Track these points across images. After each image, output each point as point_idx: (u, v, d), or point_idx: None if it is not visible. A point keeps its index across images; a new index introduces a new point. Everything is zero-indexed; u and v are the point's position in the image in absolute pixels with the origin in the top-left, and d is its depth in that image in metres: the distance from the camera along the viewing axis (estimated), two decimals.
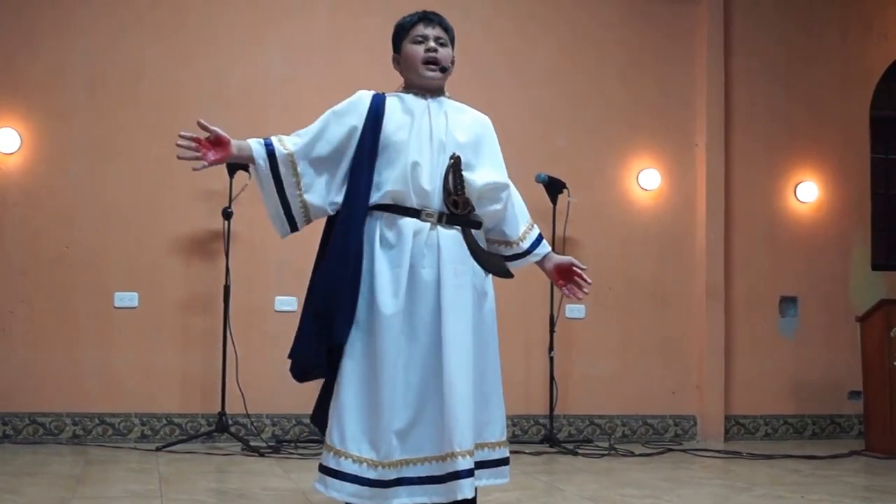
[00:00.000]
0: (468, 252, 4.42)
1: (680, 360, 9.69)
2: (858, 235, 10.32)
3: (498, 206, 4.57)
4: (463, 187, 4.40)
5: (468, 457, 4.22)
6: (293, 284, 8.25)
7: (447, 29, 4.63)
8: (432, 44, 4.54)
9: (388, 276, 4.32)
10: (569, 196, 8.89)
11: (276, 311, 8.48)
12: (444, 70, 4.56)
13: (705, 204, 9.71)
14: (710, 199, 9.72)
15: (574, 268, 4.73)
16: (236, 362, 8.22)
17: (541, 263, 4.81)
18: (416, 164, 4.36)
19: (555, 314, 8.93)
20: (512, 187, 4.68)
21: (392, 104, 4.54)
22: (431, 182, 4.38)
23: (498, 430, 4.50)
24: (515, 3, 9.54)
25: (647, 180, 9.65)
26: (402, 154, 4.39)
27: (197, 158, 4.44)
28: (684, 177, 9.81)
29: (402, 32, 4.61)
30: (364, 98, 4.54)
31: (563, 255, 4.95)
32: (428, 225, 4.37)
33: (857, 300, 9.99)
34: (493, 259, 4.58)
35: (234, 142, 4.48)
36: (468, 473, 4.21)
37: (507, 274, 4.61)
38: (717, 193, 9.77)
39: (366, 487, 4.24)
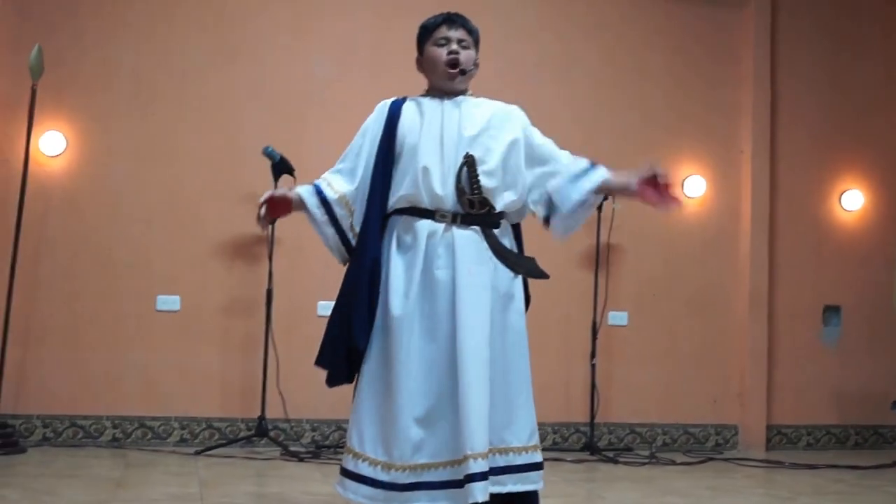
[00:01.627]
0: (487, 252, 4.39)
1: (722, 369, 9.61)
2: None
3: (514, 197, 4.50)
4: (479, 186, 4.38)
5: (480, 459, 4.17)
6: (336, 289, 7.99)
7: (471, 31, 4.61)
8: (455, 46, 4.53)
9: (401, 279, 4.35)
10: (613, 203, 8.79)
11: (319, 316, 8.37)
12: (463, 73, 4.54)
13: (750, 211, 9.64)
14: (754, 206, 9.65)
15: (655, 176, 4.49)
16: (277, 367, 8.25)
17: (617, 189, 4.66)
18: (425, 169, 4.38)
19: (597, 321, 8.88)
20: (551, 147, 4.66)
21: (408, 108, 4.57)
22: (444, 183, 4.37)
23: (525, 434, 4.40)
24: (558, 10, 9.50)
25: (691, 187, 9.59)
26: (413, 158, 4.42)
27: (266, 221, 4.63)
28: (729, 184, 9.74)
29: (425, 34, 4.62)
30: (383, 108, 4.60)
31: (630, 174, 4.59)
32: (442, 226, 4.37)
33: None
34: (523, 260, 4.53)
35: (292, 196, 4.60)
36: (481, 477, 4.16)
37: (541, 274, 4.55)
38: (762, 201, 9.70)
39: (380, 490, 4.27)
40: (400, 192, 4.42)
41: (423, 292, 4.32)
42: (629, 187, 4.53)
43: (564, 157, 4.66)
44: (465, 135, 4.44)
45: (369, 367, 4.37)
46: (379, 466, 4.27)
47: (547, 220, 4.66)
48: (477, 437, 4.17)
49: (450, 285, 4.30)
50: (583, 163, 4.64)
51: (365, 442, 4.31)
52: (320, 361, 4.49)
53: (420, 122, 4.49)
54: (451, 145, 4.42)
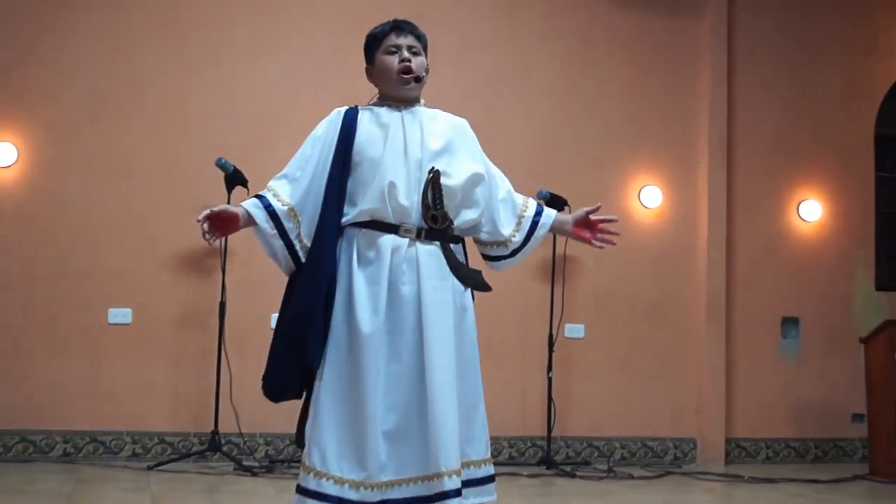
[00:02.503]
0: (447, 267, 4.36)
1: (680, 382, 9.60)
2: (862, 255, 10.23)
3: (473, 216, 4.50)
4: (442, 202, 4.33)
5: (455, 476, 4.15)
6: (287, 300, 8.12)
7: (419, 37, 4.55)
8: (406, 53, 4.46)
9: (366, 294, 4.24)
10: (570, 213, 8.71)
11: (273, 329, 8.18)
12: (418, 80, 4.47)
13: (707, 222, 9.64)
14: (711, 217, 9.65)
15: (591, 216, 4.65)
16: (230, 380, 8.15)
17: (558, 231, 4.78)
18: (392, 184, 4.28)
19: (554, 334, 8.85)
20: (499, 182, 4.66)
21: (364, 118, 4.47)
22: (409, 198, 4.30)
23: (482, 448, 4.39)
24: (514, 20, 9.49)
25: (648, 198, 9.59)
26: (377, 172, 4.32)
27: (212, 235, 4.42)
28: (686, 194, 9.74)
29: (374, 43, 4.54)
30: (337, 116, 4.48)
31: (574, 213, 4.73)
32: (406, 241, 4.30)
33: (861, 321, 9.85)
34: (472, 273, 4.48)
35: (237, 211, 4.41)
36: (456, 493, 4.14)
37: (486, 287, 4.52)
38: (719, 211, 9.69)
39: None
40: (362, 206, 4.31)
41: (389, 309, 4.25)
42: (564, 226, 4.72)
43: (518, 198, 4.71)
44: (430, 148, 4.39)
45: (327, 384, 4.24)
46: (346, 485, 4.17)
47: (486, 256, 4.75)
48: (450, 453, 4.15)
49: (415, 301, 4.25)
50: (531, 206, 4.70)
51: (328, 460, 4.18)
52: (269, 378, 4.37)
53: (380, 133, 4.40)
54: (415, 159, 4.35)
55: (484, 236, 4.64)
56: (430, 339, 4.21)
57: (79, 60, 8.42)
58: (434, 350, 4.20)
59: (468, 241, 4.64)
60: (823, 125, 10.22)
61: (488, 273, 4.58)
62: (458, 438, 4.21)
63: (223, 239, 7.82)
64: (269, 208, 4.37)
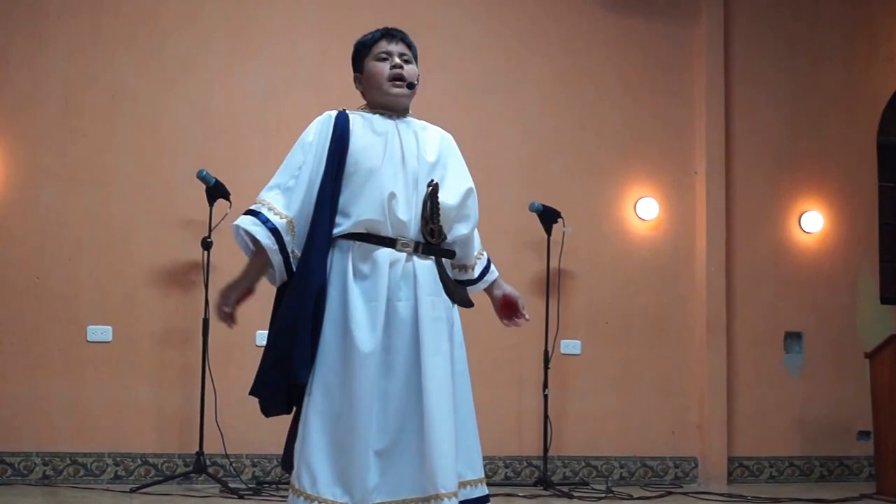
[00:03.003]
0: (440, 283, 4.31)
1: (680, 399, 9.45)
2: (866, 267, 10.08)
3: (465, 231, 4.44)
4: (438, 215, 4.26)
5: (454, 498, 4.08)
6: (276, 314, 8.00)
7: (410, 45, 4.50)
8: (397, 60, 4.39)
9: (363, 311, 4.15)
10: (563, 226, 8.75)
11: (258, 346, 8.12)
12: (410, 86, 4.39)
13: (705, 235, 9.51)
14: (710, 229, 9.52)
15: (516, 305, 4.67)
16: (215, 399, 8.02)
17: (489, 290, 4.72)
18: (393, 195, 4.20)
19: (549, 350, 8.70)
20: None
21: (358, 123, 4.36)
22: (408, 211, 4.23)
23: (478, 466, 4.34)
24: (506, 26, 9.40)
25: (644, 210, 9.46)
26: (375, 182, 4.22)
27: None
28: (683, 206, 9.61)
29: (363, 50, 4.48)
30: (328, 121, 4.36)
31: (510, 288, 4.77)
32: (404, 255, 4.23)
33: (866, 335, 9.72)
34: (458, 289, 4.47)
35: (246, 278, 4.36)
36: None
37: (470, 303, 4.52)
38: (718, 224, 9.56)
39: None
40: (358, 217, 4.20)
41: (386, 326, 4.16)
42: (495, 290, 4.72)
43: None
44: (427, 160, 4.34)
45: (316, 402, 4.15)
46: None
47: None
48: (448, 474, 4.08)
49: (412, 318, 4.18)
50: (481, 262, 4.70)
51: (319, 483, 4.08)
52: (257, 392, 4.28)
53: (377, 141, 4.31)
54: (413, 171, 4.29)
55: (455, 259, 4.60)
56: (427, 356, 4.13)
57: (53, 68, 8.34)
58: (431, 368, 4.12)
59: None
60: (824, 134, 10.09)
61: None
62: (455, 459, 4.14)
63: (205, 254, 7.91)
64: (267, 224, 4.22)
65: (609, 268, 9.34)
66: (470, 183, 4.45)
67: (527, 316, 4.70)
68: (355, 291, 4.16)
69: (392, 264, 4.19)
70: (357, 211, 4.21)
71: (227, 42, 8.69)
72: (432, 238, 4.25)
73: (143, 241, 8.33)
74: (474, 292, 4.64)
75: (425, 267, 4.25)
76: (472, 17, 9.31)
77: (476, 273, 4.59)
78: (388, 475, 4.10)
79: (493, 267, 4.69)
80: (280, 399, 4.25)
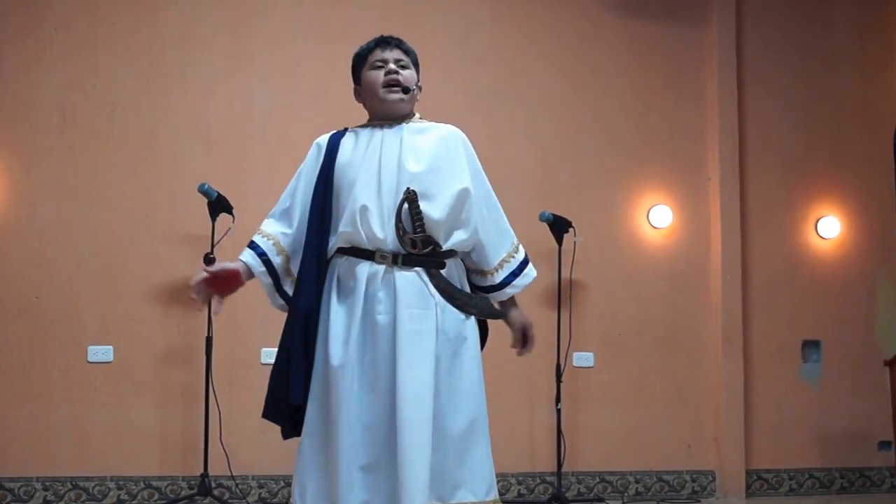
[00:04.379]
0: (432, 294, 4.24)
1: (696, 411, 9.35)
2: (885, 273, 9.96)
3: (465, 236, 4.35)
4: (422, 224, 4.21)
5: None
6: (279, 335, 7.86)
7: (408, 51, 4.52)
8: (392, 66, 4.40)
9: (341, 325, 4.23)
10: (574, 235, 8.66)
11: (262, 364, 8.15)
12: (406, 91, 4.37)
13: (720, 242, 9.40)
14: (725, 236, 9.41)
15: (527, 337, 4.64)
16: (219, 419, 7.91)
17: (508, 314, 4.65)
18: (364, 208, 4.24)
19: (562, 363, 8.57)
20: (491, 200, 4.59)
21: (348, 139, 4.46)
22: (382, 222, 4.24)
23: (483, 489, 4.24)
24: (515, 30, 9.32)
25: (657, 217, 9.36)
26: (350, 195, 4.28)
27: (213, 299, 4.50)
28: (697, 213, 9.52)
29: (359, 61, 4.54)
30: (321, 145, 4.51)
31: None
32: (383, 268, 4.23)
33: (885, 343, 9.64)
34: (474, 300, 4.37)
35: (237, 267, 4.42)
36: None
37: (496, 313, 4.47)
38: (733, 230, 9.45)
39: None
40: (340, 230, 4.27)
41: (363, 339, 4.18)
42: (507, 319, 4.62)
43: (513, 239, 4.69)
44: (407, 168, 4.29)
45: (309, 420, 4.23)
46: None
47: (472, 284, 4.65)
48: (414, 491, 4.02)
49: (390, 331, 4.16)
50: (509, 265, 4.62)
51: (307, 499, 4.19)
52: (266, 415, 4.41)
53: (358, 156, 4.36)
54: (390, 180, 4.27)
55: (469, 262, 4.53)
56: (402, 369, 4.10)
57: (50, 80, 8.24)
58: (402, 382, 4.08)
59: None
60: (839, 137, 9.98)
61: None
62: (428, 478, 4.06)
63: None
64: (256, 249, 4.39)
65: (622, 278, 9.26)
66: (464, 184, 4.35)
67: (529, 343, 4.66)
68: (337, 306, 4.23)
69: (370, 277, 4.21)
70: (339, 225, 4.28)
71: (226, 53, 8.62)
72: (414, 248, 4.20)
73: (143, 258, 8.24)
74: (500, 300, 4.58)
75: (407, 279, 4.21)
76: (479, 22, 9.24)
77: (498, 278, 4.52)
78: (379, 492, 4.10)
79: (527, 270, 4.62)
80: (284, 422, 4.36)
